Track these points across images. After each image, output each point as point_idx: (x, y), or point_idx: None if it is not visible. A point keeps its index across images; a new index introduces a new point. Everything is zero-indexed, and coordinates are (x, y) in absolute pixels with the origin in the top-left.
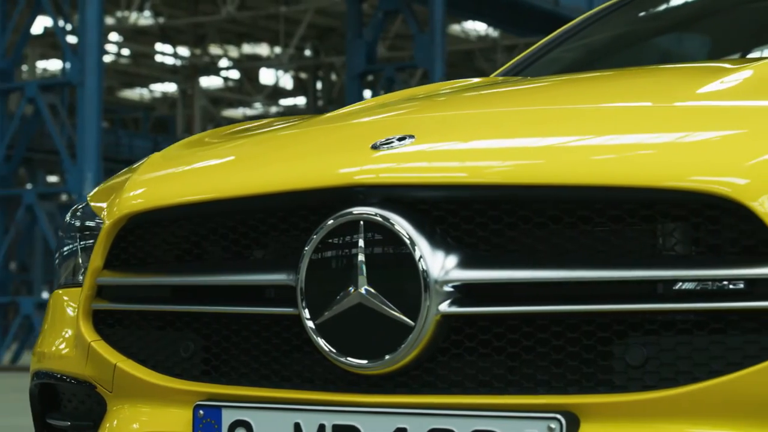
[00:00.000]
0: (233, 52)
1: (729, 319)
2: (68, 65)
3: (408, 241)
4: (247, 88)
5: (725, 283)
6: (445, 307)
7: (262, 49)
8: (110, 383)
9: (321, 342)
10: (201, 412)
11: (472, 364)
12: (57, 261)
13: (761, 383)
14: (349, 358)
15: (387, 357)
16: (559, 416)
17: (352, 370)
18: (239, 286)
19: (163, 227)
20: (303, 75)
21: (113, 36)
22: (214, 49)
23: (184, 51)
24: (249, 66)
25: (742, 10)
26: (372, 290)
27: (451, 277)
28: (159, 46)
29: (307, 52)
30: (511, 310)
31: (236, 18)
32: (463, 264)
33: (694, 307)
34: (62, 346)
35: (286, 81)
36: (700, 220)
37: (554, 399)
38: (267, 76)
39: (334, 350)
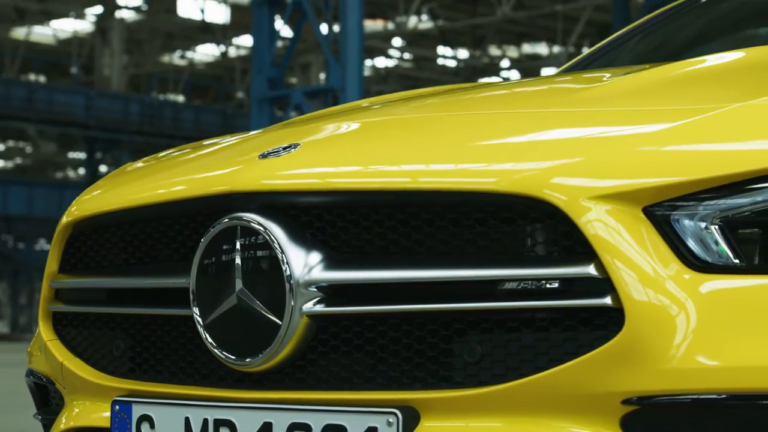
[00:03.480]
0: (512, 52)
1: (552, 318)
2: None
3: (275, 245)
4: None
5: (545, 282)
6: (309, 306)
7: (542, 48)
8: (62, 380)
9: (208, 340)
10: (117, 407)
11: (336, 361)
12: None
13: (577, 378)
14: (230, 356)
15: (259, 355)
16: (396, 411)
17: (235, 367)
18: (152, 289)
19: (99, 234)
20: None
21: (396, 41)
22: (494, 50)
23: (463, 53)
24: (529, 66)
25: None
26: (246, 292)
27: (314, 278)
28: (440, 50)
29: (586, 50)
30: (366, 309)
31: (514, 18)
32: (326, 266)
33: (520, 306)
34: (38, 346)
35: None
36: (525, 223)
37: (395, 395)
38: None
39: (217, 347)
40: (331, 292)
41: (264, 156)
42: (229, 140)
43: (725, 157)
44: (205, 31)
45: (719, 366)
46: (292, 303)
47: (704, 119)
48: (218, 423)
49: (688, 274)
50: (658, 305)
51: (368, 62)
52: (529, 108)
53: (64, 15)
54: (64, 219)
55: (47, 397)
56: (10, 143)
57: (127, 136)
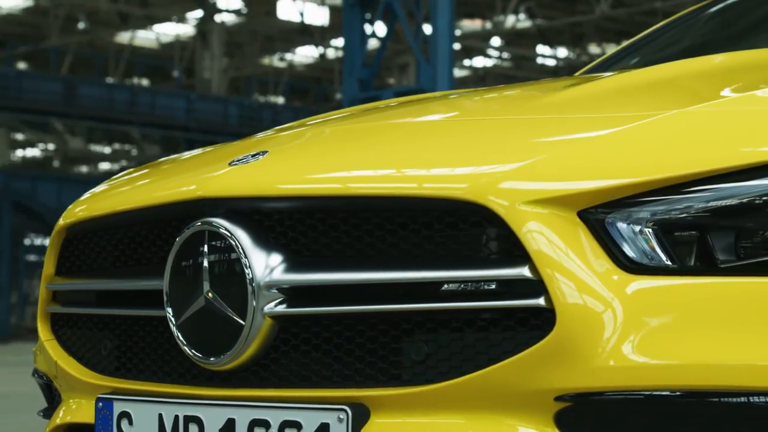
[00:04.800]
0: (612, 50)
1: (492, 318)
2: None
3: (239, 249)
4: None
5: (484, 284)
6: (270, 308)
7: None
8: (57, 378)
9: (180, 340)
10: (100, 404)
11: (297, 360)
12: None
13: (513, 376)
14: (198, 355)
15: (222, 355)
16: (346, 407)
17: (204, 366)
18: (134, 291)
19: (90, 238)
20: None
21: (494, 41)
22: (593, 48)
23: (563, 52)
24: None
25: None
26: (214, 294)
27: (275, 281)
28: (539, 48)
29: None
30: (323, 310)
31: (613, 16)
32: (286, 269)
33: (461, 306)
34: (40, 346)
35: None
36: (467, 227)
37: (347, 392)
38: None
39: (188, 347)
40: (292, 294)
41: (233, 163)
42: (218, 148)
43: (659, 162)
44: (304, 33)
45: (647, 364)
46: (254, 304)
47: (640, 126)
48: (188, 419)
49: (618, 275)
50: (588, 306)
51: (466, 62)
52: (476, 116)
53: (166, 19)
54: (60, 222)
55: (52, 395)
56: (116, 146)
57: (227, 138)
